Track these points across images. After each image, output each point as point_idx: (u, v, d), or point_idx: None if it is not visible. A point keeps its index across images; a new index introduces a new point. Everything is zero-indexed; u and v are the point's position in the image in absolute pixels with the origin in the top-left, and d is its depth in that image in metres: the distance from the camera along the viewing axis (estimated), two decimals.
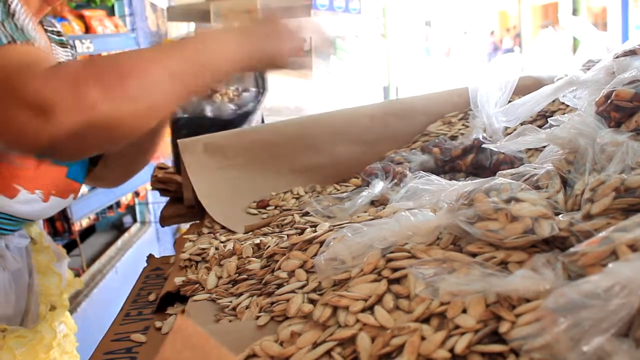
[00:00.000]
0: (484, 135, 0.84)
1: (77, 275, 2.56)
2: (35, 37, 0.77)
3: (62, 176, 1.05)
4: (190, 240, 0.91)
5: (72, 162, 1.06)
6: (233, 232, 0.92)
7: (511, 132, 0.73)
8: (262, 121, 1.32)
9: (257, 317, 0.59)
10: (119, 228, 3.62)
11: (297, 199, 1.00)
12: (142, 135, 0.78)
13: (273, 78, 1.17)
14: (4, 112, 0.69)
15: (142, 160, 1.24)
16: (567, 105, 0.86)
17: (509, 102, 0.88)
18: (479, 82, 0.84)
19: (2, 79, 0.70)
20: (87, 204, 2.84)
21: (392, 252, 0.55)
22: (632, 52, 0.75)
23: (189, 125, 1.13)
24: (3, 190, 0.93)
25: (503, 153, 0.81)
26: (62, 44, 1.12)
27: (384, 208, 0.71)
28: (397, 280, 0.53)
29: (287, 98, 2.41)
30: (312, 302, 0.57)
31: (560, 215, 0.53)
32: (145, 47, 3.56)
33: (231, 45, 0.85)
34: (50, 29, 1.10)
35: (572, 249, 0.45)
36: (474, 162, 0.84)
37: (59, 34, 1.13)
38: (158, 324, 0.71)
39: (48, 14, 1.08)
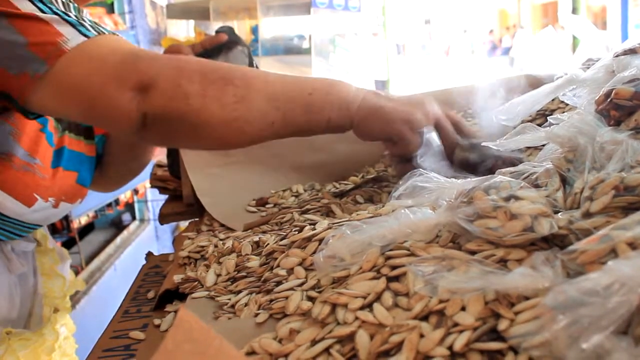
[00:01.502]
0: None
1: (76, 272, 2.57)
2: (114, 31, 0.79)
3: (72, 182, 1.05)
4: (189, 238, 0.91)
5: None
6: (232, 230, 0.92)
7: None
8: None
9: (256, 315, 0.59)
10: (118, 226, 3.62)
11: (296, 196, 1.00)
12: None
13: None
14: (108, 89, 0.70)
15: (136, 167, 1.25)
16: (567, 104, 0.86)
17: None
18: (475, 88, 0.85)
19: (105, 62, 0.71)
20: (86, 202, 2.82)
21: (391, 250, 0.55)
22: (631, 51, 0.74)
23: None
24: (24, 199, 0.94)
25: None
26: None
27: (383, 206, 0.71)
28: (396, 278, 0.53)
29: None
30: (311, 299, 0.57)
31: (560, 214, 0.53)
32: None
33: (350, 95, 0.79)
34: None
35: (571, 247, 0.45)
36: None
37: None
38: (157, 321, 0.71)
39: None
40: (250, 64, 1.12)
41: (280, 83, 0.76)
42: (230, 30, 1.13)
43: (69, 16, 0.74)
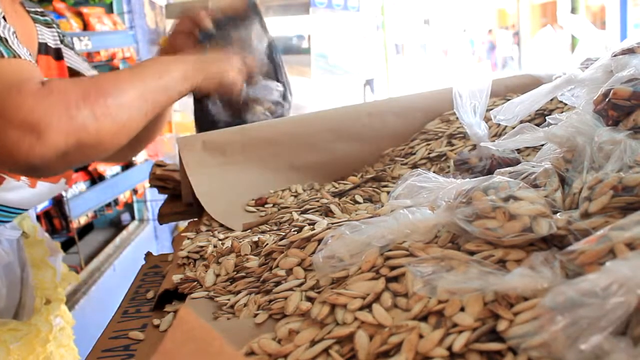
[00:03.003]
0: None
1: (75, 272, 2.56)
2: (19, 49, 0.78)
3: (39, 178, 1.04)
4: (188, 238, 0.91)
5: (59, 172, 1.07)
6: (231, 230, 0.92)
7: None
8: None
9: (255, 315, 0.59)
10: (117, 225, 3.62)
11: (295, 196, 1.00)
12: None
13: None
14: None
15: (145, 137, 1.25)
16: (565, 104, 0.86)
17: (507, 100, 0.88)
18: (455, 94, 0.84)
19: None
20: (85, 202, 2.84)
21: (390, 250, 0.55)
22: (630, 51, 0.74)
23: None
24: None
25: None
26: (47, 24, 1.11)
27: (382, 206, 0.71)
28: (395, 279, 0.53)
29: None
30: (310, 300, 0.57)
31: (558, 214, 0.53)
32: (138, 48, 3.56)
33: (185, 67, 0.95)
34: (32, 9, 1.10)
35: (570, 247, 0.45)
36: None
37: (42, 14, 1.12)
38: (156, 321, 0.71)
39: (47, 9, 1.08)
40: (265, 35, 1.17)
41: (138, 77, 0.86)
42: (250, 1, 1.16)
43: None
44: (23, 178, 0.98)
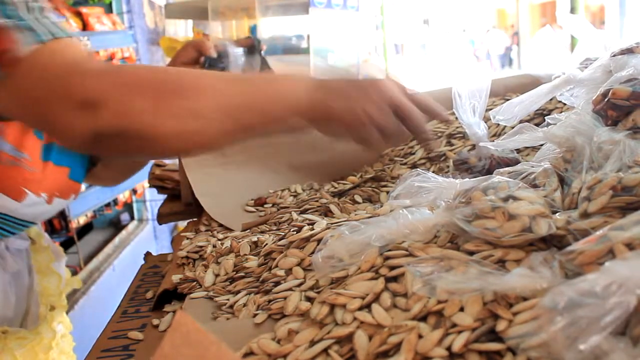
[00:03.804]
0: None
1: (75, 272, 2.56)
2: (72, 32, 0.77)
3: (64, 177, 1.05)
4: (187, 238, 0.91)
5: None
6: (230, 230, 0.92)
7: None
8: None
9: (255, 315, 0.59)
10: (117, 225, 3.62)
11: (294, 196, 1.00)
12: None
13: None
14: (55, 105, 0.69)
15: (140, 162, 1.24)
16: (565, 104, 0.86)
17: (506, 100, 0.88)
18: (455, 94, 0.84)
19: (54, 75, 0.70)
20: (84, 202, 2.84)
21: (389, 250, 0.55)
22: (629, 51, 0.75)
23: None
24: (13, 193, 0.94)
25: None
26: None
27: (381, 206, 0.71)
28: (394, 279, 0.53)
29: None
30: (310, 300, 0.57)
31: (558, 214, 0.53)
32: (138, 48, 3.56)
33: (299, 93, 0.75)
34: None
35: (569, 248, 0.45)
36: None
37: None
38: (155, 321, 0.71)
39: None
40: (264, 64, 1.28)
41: (233, 90, 0.74)
42: (256, 39, 1.32)
43: (24, 19, 0.73)
44: (42, 194, 0.99)
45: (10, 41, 0.71)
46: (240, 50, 1.22)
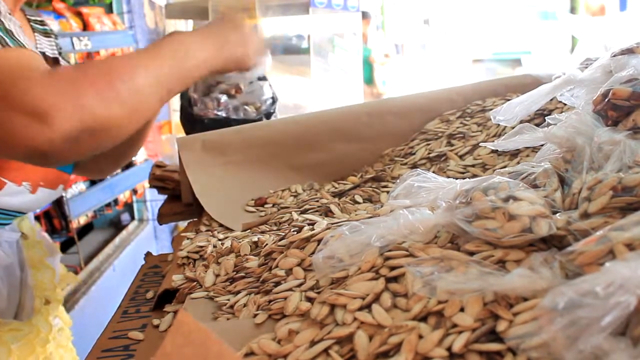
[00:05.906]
0: None
1: (75, 272, 2.56)
2: (25, 41, 0.78)
3: (50, 167, 1.04)
4: (188, 238, 0.91)
5: (63, 166, 1.06)
6: (231, 230, 0.92)
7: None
8: None
9: (255, 315, 0.59)
10: (117, 225, 3.62)
11: (295, 196, 1.00)
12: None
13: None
14: (3, 110, 0.69)
15: (130, 151, 1.24)
16: (565, 104, 0.86)
17: (507, 100, 0.88)
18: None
19: (7, 81, 0.71)
20: (84, 202, 2.84)
21: (389, 251, 0.55)
22: (629, 51, 0.74)
23: (214, 127, 1.15)
24: None
25: None
26: (46, 34, 1.11)
27: (381, 206, 0.71)
28: (394, 279, 0.53)
29: (285, 96, 2.41)
30: (310, 300, 0.57)
31: (558, 214, 0.53)
32: (138, 48, 3.56)
33: (207, 52, 0.93)
34: (33, 18, 1.10)
35: (569, 248, 0.45)
36: None
37: (42, 23, 1.12)
38: (156, 321, 0.71)
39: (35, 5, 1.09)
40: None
41: (155, 60, 0.84)
42: None
43: None
44: (24, 183, 0.99)
45: None
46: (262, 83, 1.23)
